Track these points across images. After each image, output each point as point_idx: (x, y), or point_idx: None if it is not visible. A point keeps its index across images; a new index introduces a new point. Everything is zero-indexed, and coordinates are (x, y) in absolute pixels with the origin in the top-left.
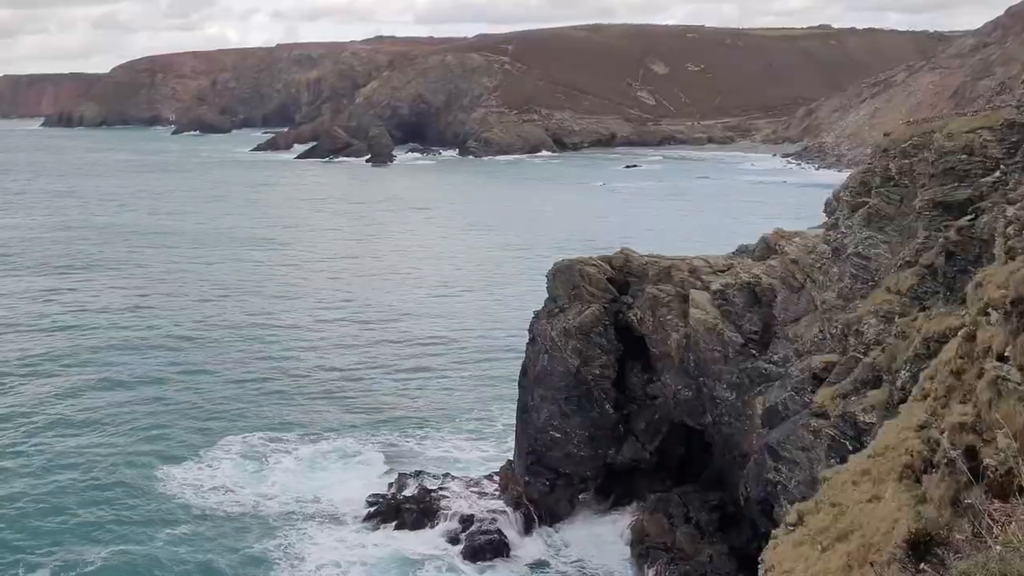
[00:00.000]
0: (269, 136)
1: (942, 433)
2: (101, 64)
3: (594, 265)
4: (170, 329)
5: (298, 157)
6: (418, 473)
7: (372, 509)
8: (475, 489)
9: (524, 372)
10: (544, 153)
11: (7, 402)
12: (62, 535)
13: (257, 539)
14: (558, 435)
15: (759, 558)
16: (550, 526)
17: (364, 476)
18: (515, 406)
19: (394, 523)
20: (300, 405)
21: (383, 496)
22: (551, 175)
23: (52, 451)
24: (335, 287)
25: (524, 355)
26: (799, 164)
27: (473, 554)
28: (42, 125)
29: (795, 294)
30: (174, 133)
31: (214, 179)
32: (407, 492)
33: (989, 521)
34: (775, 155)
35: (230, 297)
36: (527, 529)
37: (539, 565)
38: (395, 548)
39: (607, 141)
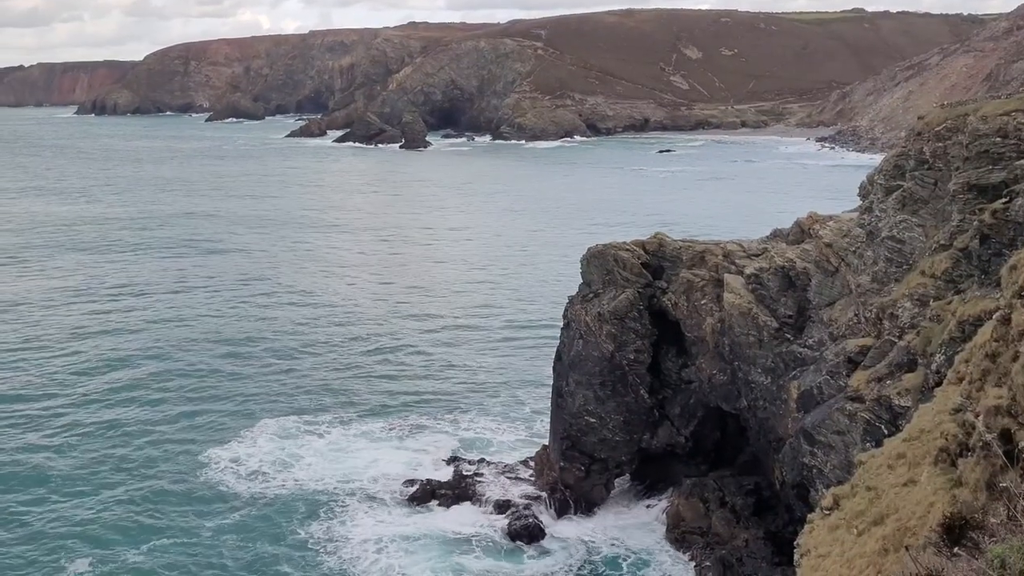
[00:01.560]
0: (303, 123)
1: (977, 416)
2: (134, 51)
3: (628, 250)
4: (210, 312)
5: (334, 142)
6: (453, 458)
7: (409, 491)
8: (510, 475)
9: (558, 357)
10: (577, 138)
11: (54, 380)
12: (105, 518)
13: (299, 521)
14: (593, 420)
15: (795, 542)
16: (585, 511)
17: (399, 458)
18: (544, 390)
19: (431, 506)
20: (334, 387)
21: (419, 479)
22: (585, 160)
23: (96, 432)
24: (369, 271)
25: (558, 340)
26: (833, 148)
27: (509, 538)
28: (76, 112)
29: (829, 278)
30: (208, 120)
31: (259, 165)
32: (443, 476)
33: None
34: (809, 139)
35: (269, 279)
36: (562, 514)
37: (575, 550)
38: (433, 531)
39: (640, 126)
